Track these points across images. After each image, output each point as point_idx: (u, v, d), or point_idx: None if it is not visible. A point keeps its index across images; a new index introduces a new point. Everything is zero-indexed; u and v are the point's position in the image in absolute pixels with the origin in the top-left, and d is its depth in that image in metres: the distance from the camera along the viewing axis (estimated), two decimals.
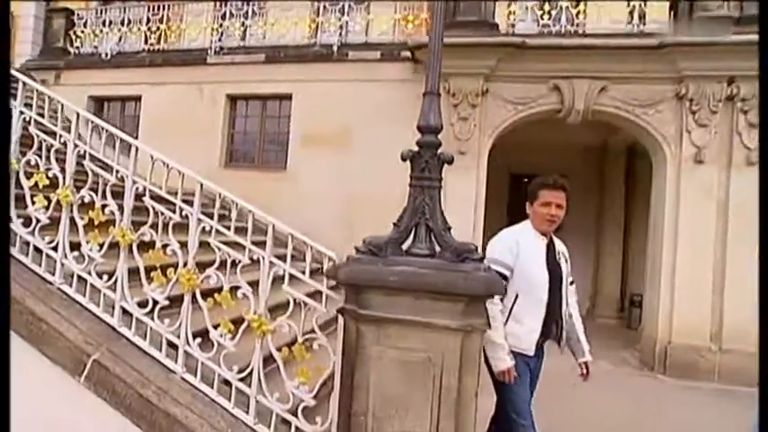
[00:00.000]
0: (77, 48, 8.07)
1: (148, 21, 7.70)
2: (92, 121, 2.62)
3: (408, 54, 6.72)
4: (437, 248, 2.07)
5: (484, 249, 6.93)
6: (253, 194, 7.53)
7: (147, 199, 2.48)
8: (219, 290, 2.35)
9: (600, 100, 6.27)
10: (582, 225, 9.03)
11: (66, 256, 2.57)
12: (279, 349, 2.28)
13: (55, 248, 2.59)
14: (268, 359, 2.33)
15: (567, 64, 6.19)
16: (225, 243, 2.40)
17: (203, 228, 2.40)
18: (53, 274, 2.58)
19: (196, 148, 7.26)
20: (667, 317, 5.96)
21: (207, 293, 2.38)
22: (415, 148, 2.14)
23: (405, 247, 2.11)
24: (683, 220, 5.97)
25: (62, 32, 8.01)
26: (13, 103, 2.70)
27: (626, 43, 6.10)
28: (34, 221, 2.62)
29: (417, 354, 1.86)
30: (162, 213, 2.44)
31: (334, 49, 7.05)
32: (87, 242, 2.54)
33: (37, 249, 2.63)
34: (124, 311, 2.47)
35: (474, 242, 6.45)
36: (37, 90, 2.71)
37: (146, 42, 7.70)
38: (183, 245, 2.42)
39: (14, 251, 2.64)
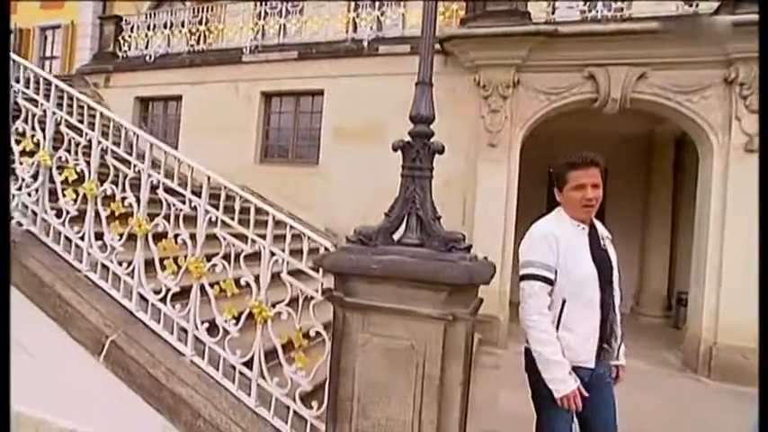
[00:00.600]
0: (125, 52, 8.59)
1: (189, 23, 8.07)
2: (114, 120, 2.80)
3: (438, 47, 6.67)
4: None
5: (517, 241, 6.80)
6: (286, 189, 7.75)
7: (160, 191, 2.63)
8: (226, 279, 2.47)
9: (638, 87, 5.98)
10: (626, 219, 8.66)
11: (91, 246, 2.77)
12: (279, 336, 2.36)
13: (82, 238, 2.79)
14: (273, 352, 2.40)
15: (602, 51, 5.93)
16: (233, 235, 2.50)
17: (210, 219, 2.52)
18: (81, 262, 2.79)
19: (233, 144, 7.55)
20: (712, 316, 5.62)
21: (213, 282, 2.50)
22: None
23: (397, 236, 2.13)
24: (731, 214, 5.60)
25: (112, 38, 8.56)
26: (47, 104, 2.94)
27: (668, 26, 5.77)
28: (65, 213, 2.84)
29: (401, 341, 1.88)
30: (174, 205, 2.59)
31: (365, 44, 7.11)
32: (110, 232, 2.73)
33: (67, 239, 2.85)
34: (141, 297, 2.64)
35: (506, 235, 6.38)
36: (66, 92, 2.92)
37: (187, 44, 8.08)
38: (193, 236, 2.55)
39: (48, 240, 2.88)
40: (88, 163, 2.81)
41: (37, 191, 2.91)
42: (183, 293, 2.56)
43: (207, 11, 8.17)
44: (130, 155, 2.73)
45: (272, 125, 7.79)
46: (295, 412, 2.29)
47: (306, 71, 7.35)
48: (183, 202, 2.57)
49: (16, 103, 3.03)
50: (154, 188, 2.65)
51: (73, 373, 2.59)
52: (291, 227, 2.38)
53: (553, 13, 6.72)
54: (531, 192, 8.60)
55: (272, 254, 2.37)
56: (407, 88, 7.22)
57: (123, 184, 2.72)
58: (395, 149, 2.16)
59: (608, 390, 2.19)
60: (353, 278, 1.94)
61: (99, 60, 8.79)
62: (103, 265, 2.75)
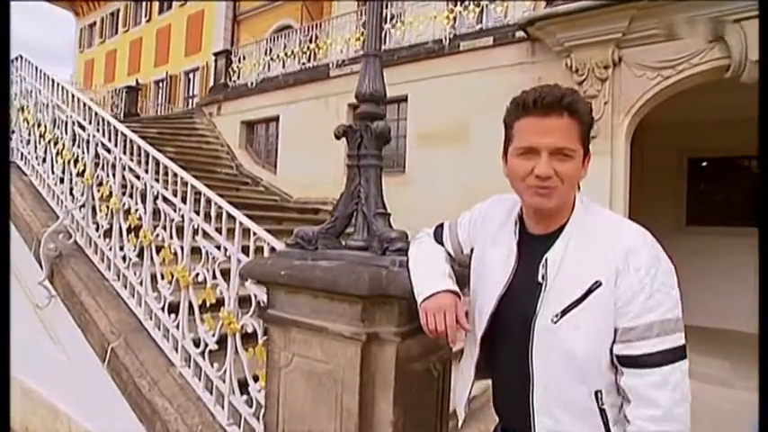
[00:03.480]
0: (234, 81, 9.46)
1: (285, 47, 8.60)
2: (128, 136, 2.95)
3: (523, 34, 6.03)
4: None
5: None
6: None
7: (159, 201, 2.67)
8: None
9: None
10: None
11: (115, 256, 2.94)
12: (246, 349, 2.18)
13: (111, 249, 2.98)
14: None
15: (731, 3, 4.72)
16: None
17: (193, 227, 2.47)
18: (110, 271, 2.98)
19: (324, 157, 7.73)
20: None
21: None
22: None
23: (344, 238, 1.82)
24: None
25: (223, 71, 9.52)
26: (89, 127, 3.24)
27: None
28: (100, 227, 3.07)
29: (320, 365, 1.55)
30: (168, 214, 2.60)
31: (446, 42, 6.75)
32: (128, 243, 2.86)
33: (102, 250, 3.06)
34: (148, 306, 2.70)
35: None
36: (101, 116, 3.18)
37: (284, 67, 8.61)
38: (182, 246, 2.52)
39: (90, 252, 3.14)
40: (115, 176, 3.01)
41: (84, 206, 3.20)
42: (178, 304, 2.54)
43: (306, 31, 8.64)
44: (140, 167, 2.84)
45: None
46: None
47: (389, 78, 7.18)
48: (175, 211, 2.57)
49: (73, 131, 3.41)
50: (155, 199, 2.71)
51: (91, 377, 2.74)
52: (256, 233, 2.20)
53: None
54: (663, 187, 7.28)
55: (239, 261, 2.22)
56: (493, 83, 6.68)
57: (135, 197, 2.84)
58: (337, 137, 1.86)
59: None
60: (273, 287, 1.68)
61: (213, 92, 9.85)
62: (124, 275, 2.88)
